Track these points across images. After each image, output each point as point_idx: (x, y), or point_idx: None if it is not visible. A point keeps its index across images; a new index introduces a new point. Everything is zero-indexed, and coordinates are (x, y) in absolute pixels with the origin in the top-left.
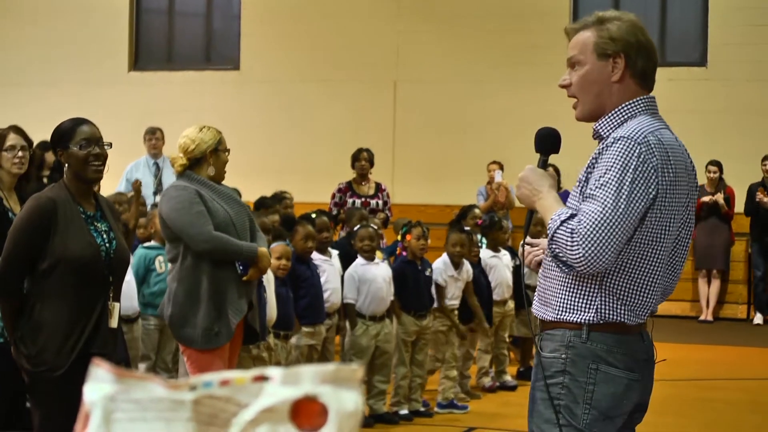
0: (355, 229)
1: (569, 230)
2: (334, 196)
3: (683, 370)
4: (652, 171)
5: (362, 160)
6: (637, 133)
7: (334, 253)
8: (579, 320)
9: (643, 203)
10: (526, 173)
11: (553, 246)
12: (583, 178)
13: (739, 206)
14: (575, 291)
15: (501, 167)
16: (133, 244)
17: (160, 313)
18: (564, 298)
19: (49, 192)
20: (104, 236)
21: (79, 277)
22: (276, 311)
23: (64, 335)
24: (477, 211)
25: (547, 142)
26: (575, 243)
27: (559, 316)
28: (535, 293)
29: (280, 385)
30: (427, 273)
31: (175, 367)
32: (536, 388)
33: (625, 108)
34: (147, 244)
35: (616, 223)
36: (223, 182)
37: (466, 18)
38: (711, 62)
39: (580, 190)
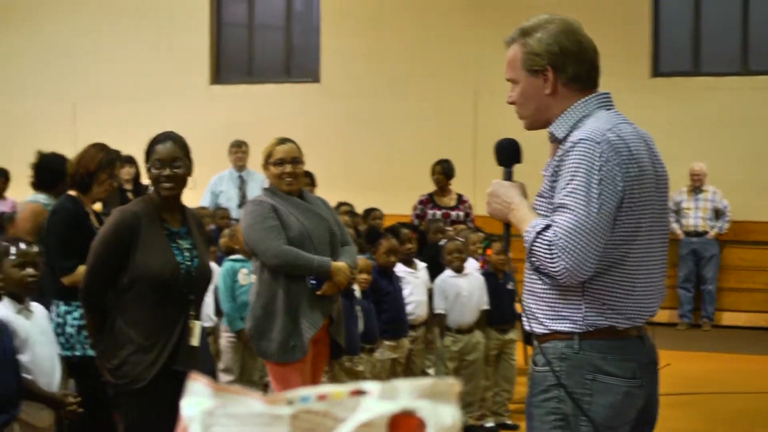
0: (442, 243)
1: (546, 243)
2: (415, 208)
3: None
4: (617, 168)
5: (437, 173)
6: (594, 132)
7: (421, 265)
8: (568, 330)
9: (613, 203)
10: (493, 188)
11: (533, 259)
12: (548, 186)
13: None
14: (560, 301)
15: None
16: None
17: (246, 326)
18: (550, 310)
19: (133, 206)
20: (186, 254)
21: (158, 294)
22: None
23: (144, 350)
24: None
25: (507, 153)
26: (554, 256)
27: (550, 327)
28: (523, 307)
29: (378, 400)
30: (509, 286)
31: (262, 380)
32: (531, 404)
33: (577, 107)
34: (232, 256)
35: (592, 230)
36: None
37: None
38: None
39: (547, 199)
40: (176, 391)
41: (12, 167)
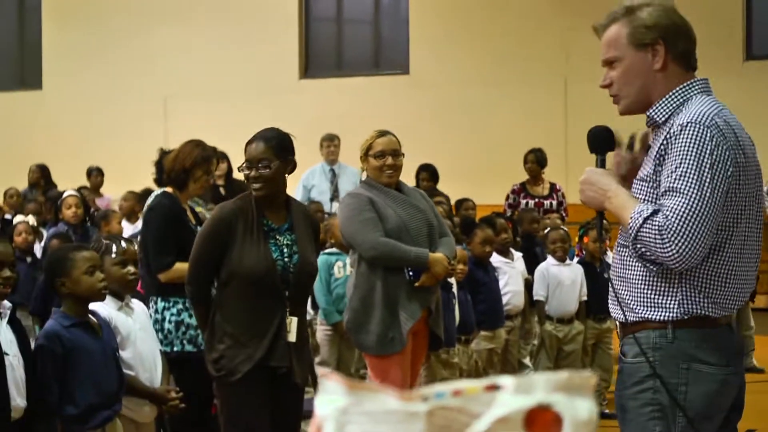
0: (547, 231)
1: (656, 228)
2: (508, 198)
3: None
4: (727, 153)
5: (529, 161)
6: (703, 116)
7: (517, 255)
8: (662, 318)
9: (724, 188)
10: (587, 176)
11: (639, 246)
12: (650, 171)
13: None
14: (655, 288)
15: None
16: None
17: (344, 319)
18: (644, 297)
19: (233, 203)
20: (284, 250)
21: (254, 290)
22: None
23: (241, 344)
24: None
25: (601, 140)
26: (666, 240)
27: (640, 315)
28: (610, 295)
29: (513, 394)
30: (606, 275)
31: (358, 372)
32: (624, 396)
33: (680, 91)
34: (328, 250)
35: (705, 214)
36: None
37: None
38: None
39: (650, 183)
40: (272, 386)
41: (105, 165)
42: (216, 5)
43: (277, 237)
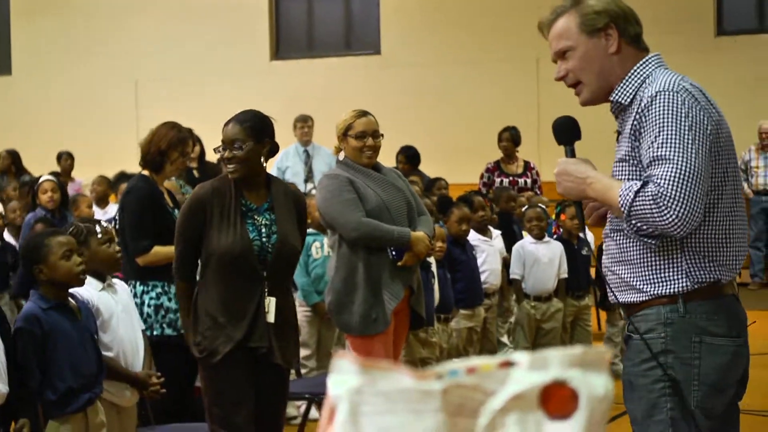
0: (524, 209)
1: (650, 197)
2: (482, 176)
3: None
4: (702, 113)
5: (504, 140)
6: (670, 83)
7: (496, 233)
8: (672, 291)
9: (707, 146)
10: (561, 167)
11: (634, 221)
12: (627, 150)
13: None
14: (659, 264)
15: None
16: None
17: (325, 300)
18: (649, 275)
19: (210, 183)
20: (262, 230)
21: (231, 271)
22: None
23: (219, 325)
24: None
25: (566, 130)
26: (663, 207)
27: (648, 293)
28: (609, 283)
29: (528, 371)
30: (584, 252)
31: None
32: (633, 373)
33: (639, 69)
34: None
35: (696, 174)
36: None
37: None
38: None
39: (630, 162)
40: (253, 366)
41: (76, 148)
42: None
43: (256, 217)
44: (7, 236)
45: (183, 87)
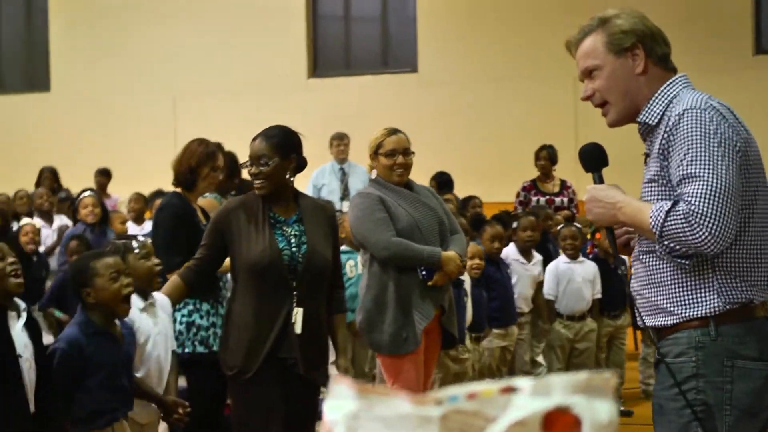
0: (559, 228)
1: (682, 216)
2: (518, 195)
3: None
4: (730, 130)
5: (542, 158)
6: (697, 102)
7: (537, 258)
8: (703, 312)
9: (737, 163)
10: (591, 194)
11: (667, 241)
12: (657, 170)
13: None
14: (690, 285)
15: None
16: None
17: (356, 319)
18: (681, 297)
19: (239, 197)
20: (291, 240)
21: (260, 282)
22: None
23: (249, 339)
24: None
25: (593, 157)
26: (696, 225)
27: (679, 316)
28: (638, 307)
29: (530, 397)
30: (620, 271)
31: (371, 372)
32: (663, 397)
33: (666, 90)
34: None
35: (728, 191)
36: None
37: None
38: None
39: (660, 182)
40: (282, 379)
41: (113, 164)
42: (224, 4)
43: (284, 228)
44: (38, 221)
45: (221, 103)
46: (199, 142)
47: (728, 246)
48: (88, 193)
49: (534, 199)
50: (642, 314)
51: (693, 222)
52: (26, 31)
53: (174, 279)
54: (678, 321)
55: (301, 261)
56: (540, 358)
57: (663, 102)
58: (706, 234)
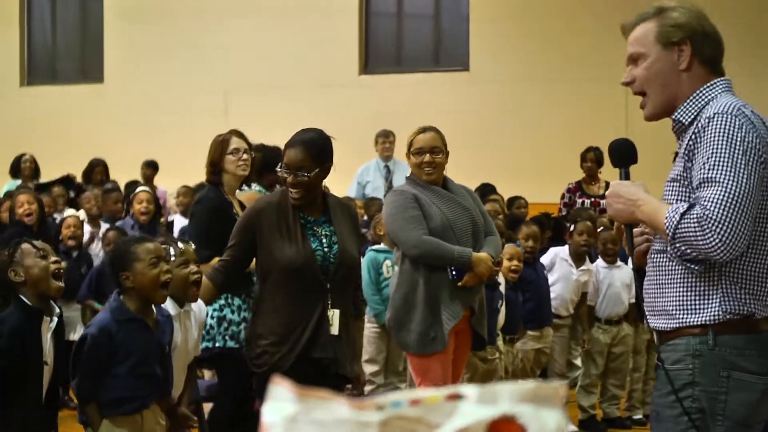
0: (600, 230)
1: (695, 220)
2: (563, 197)
3: None
4: (758, 140)
5: (589, 160)
6: (729, 107)
7: (588, 266)
8: (702, 320)
9: (758, 174)
10: (613, 189)
11: (678, 244)
12: (680, 170)
13: None
14: (695, 290)
15: None
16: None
17: (386, 317)
18: (684, 301)
19: (270, 196)
20: (323, 241)
21: (294, 282)
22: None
23: (281, 338)
24: None
25: (623, 153)
26: (707, 230)
27: (680, 320)
28: (645, 305)
29: (476, 404)
30: None
31: (406, 371)
32: (660, 404)
33: (705, 91)
34: (376, 246)
35: (744, 200)
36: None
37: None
38: None
39: (682, 182)
40: (317, 378)
41: (165, 157)
42: (277, 0)
43: (315, 228)
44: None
45: (271, 98)
46: (216, 137)
47: (738, 256)
48: (142, 188)
49: (579, 201)
50: (647, 313)
51: (705, 227)
52: (81, 22)
53: (204, 282)
54: (678, 326)
55: (333, 261)
56: (578, 361)
57: (699, 103)
58: (717, 240)
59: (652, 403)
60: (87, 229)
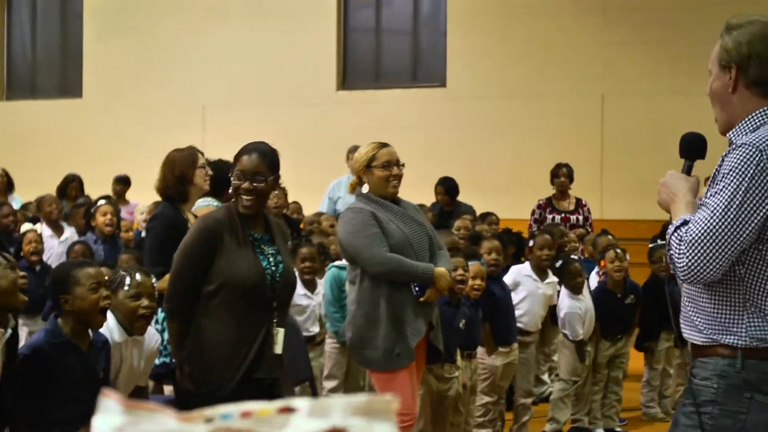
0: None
1: (678, 238)
2: (534, 212)
3: None
4: None
5: (561, 176)
6: (760, 140)
7: (552, 279)
8: (732, 343)
9: (757, 213)
10: (666, 178)
11: (670, 252)
12: (706, 191)
13: None
14: (723, 312)
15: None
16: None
17: (342, 335)
18: (714, 320)
19: (217, 213)
20: (270, 260)
21: (243, 301)
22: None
23: (228, 358)
24: None
25: (693, 147)
26: (681, 252)
27: (710, 337)
28: (681, 315)
29: (307, 417)
30: (628, 301)
31: (368, 385)
32: (683, 413)
33: (759, 116)
34: (338, 263)
35: (724, 233)
36: (407, 199)
37: (673, 28)
38: None
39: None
40: (259, 398)
41: (141, 172)
42: (254, 15)
43: (263, 246)
44: (46, 230)
45: (249, 114)
46: (175, 150)
47: (756, 286)
48: (103, 201)
49: (549, 216)
50: (681, 323)
51: (681, 248)
52: (61, 38)
53: (182, 330)
54: (707, 342)
55: (278, 280)
56: (545, 377)
57: (751, 126)
58: (685, 264)
59: (677, 410)
60: (49, 243)
